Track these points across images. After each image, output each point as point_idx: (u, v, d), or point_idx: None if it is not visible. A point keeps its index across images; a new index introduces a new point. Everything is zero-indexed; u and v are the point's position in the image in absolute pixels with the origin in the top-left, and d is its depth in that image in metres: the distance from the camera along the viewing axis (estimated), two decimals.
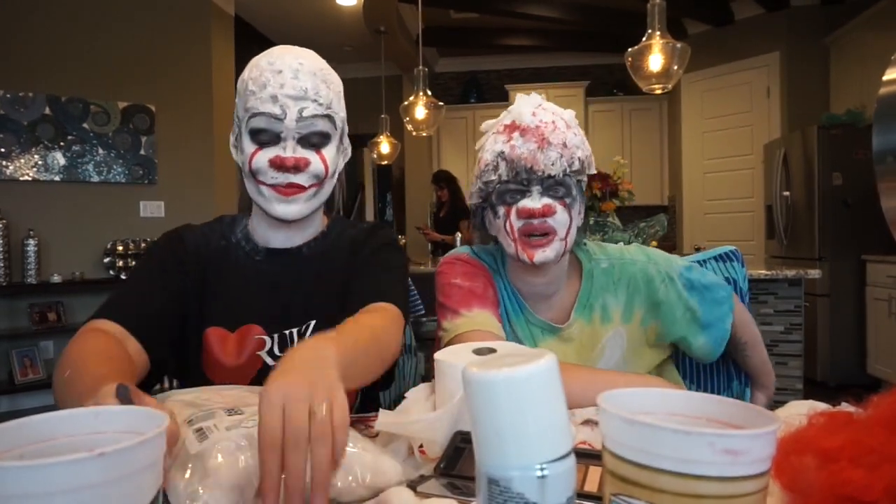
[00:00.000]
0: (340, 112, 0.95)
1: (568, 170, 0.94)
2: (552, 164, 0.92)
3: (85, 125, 3.97)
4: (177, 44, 4.27)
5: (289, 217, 0.91)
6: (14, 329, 3.73)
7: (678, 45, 2.84)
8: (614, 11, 5.38)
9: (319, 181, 0.92)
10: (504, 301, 1.05)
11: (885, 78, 2.07)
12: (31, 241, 3.70)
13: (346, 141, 1.00)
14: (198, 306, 0.95)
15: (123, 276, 3.97)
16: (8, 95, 3.74)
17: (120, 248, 3.99)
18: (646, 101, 6.00)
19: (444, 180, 5.51)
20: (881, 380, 3.68)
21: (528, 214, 0.93)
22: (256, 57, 0.93)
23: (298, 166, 0.89)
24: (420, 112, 4.41)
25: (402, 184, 6.79)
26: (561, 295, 1.04)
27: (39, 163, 3.84)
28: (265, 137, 0.89)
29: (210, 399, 0.67)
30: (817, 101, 4.79)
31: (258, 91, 0.88)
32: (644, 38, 2.86)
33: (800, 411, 0.57)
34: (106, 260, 3.99)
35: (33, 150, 3.82)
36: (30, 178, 3.82)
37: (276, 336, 0.95)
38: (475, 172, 1.01)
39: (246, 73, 0.91)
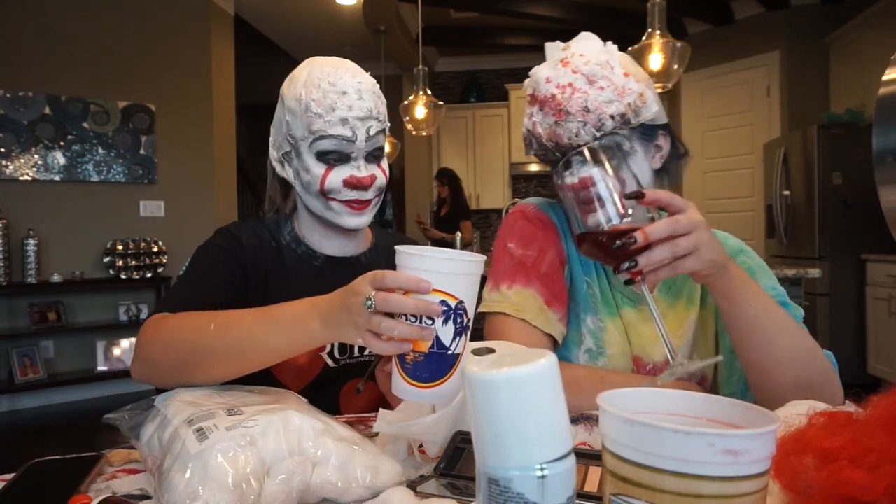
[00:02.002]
0: (388, 122, 0.99)
1: (598, 133, 0.84)
2: (576, 136, 0.84)
3: (85, 125, 3.97)
4: (177, 43, 4.27)
5: (359, 227, 0.96)
6: (14, 329, 3.74)
7: (678, 44, 2.84)
8: (614, 11, 5.38)
9: (381, 192, 0.97)
10: (583, 262, 0.95)
11: (884, 78, 2.07)
12: (31, 241, 3.70)
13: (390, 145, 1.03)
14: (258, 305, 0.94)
15: (123, 276, 3.97)
16: (8, 95, 3.74)
17: (120, 247, 4.00)
18: None
19: (447, 177, 5.51)
20: (881, 380, 3.68)
21: (569, 189, 0.86)
22: (306, 73, 0.92)
23: (371, 183, 0.94)
24: (420, 111, 4.41)
25: (402, 183, 6.79)
26: None
27: (39, 162, 3.84)
28: (334, 157, 0.92)
29: (210, 399, 0.67)
30: (817, 100, 4.79)
31: (325, 114, 0.89)
32: (644, 38, 2.86)
33: (800, 411, 0.57)
34: (106, 259, 4.00)
35: (33, 149, 3.82)
36: (30, 178, 3.82)
37: None
38: None
39: (301, 93, 0.91)
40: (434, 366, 0.61)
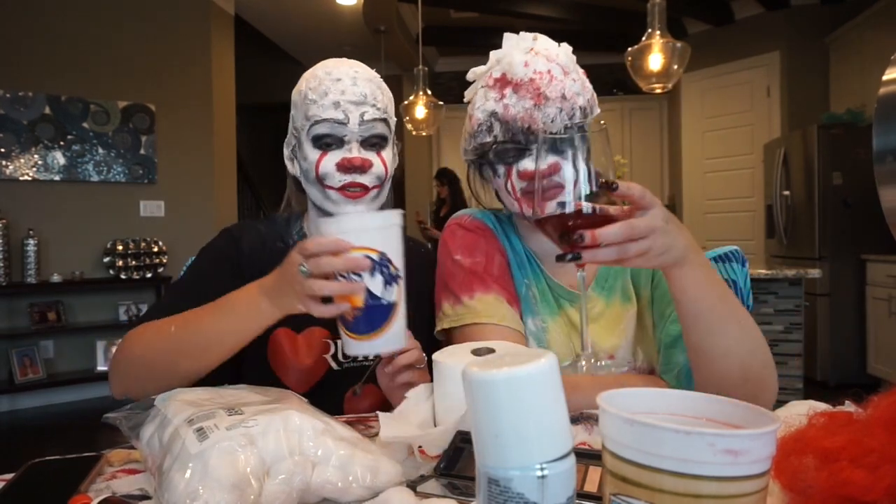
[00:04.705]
0: (393, 117, 0.99)
1: (569, 123, 0.87)
2: (552, 122, 0.85)
3: (85, 125, 3.97)
4: (177, 43, 4.27)
5: None
6: (14, 329, 3.74)
7: (678, 44, 2.84)
8: (614, 11, 5.38)
9: (380, 182, 0.96)
10: (520, 265, 0.97)
11: (884, 78, 2.07)
12: (31, 241, 3.70)
13: (396, 145, 1.03)
14: None
15: (123, 276, 3.97)
16: (8, 95, 3.74)
17: (120, 247, 4.00)
18: (646, 100, 6.00)
19: (447, 177, 5.51)
20: (881, 380, 3.68)
21: (530, 177, 0.87)
22: (309, 71, 0.97)
23: (364, 166, 0.92)
24: (420, 111, 4.41)
25: (402, 183, 6.79)
26: None
27: (39, 162, 3.84)
28: (329, 141, 0.93)
29: (210, 399, 0.67)
30: (817, 100, 4.79)
31: (319, 99, 0.92)
32: (644, 38, 2.86)
33: (800, 411, 0.57)
34: (105, 259, 3.99)
35: (33, 149, 3.82)
36: (30, 178, 3.82)
37: (339, 341, 0.95)
38: (467, 129, 0.95)
39: (303, 85, 0.95)
40: (372, 317, 0.69)
